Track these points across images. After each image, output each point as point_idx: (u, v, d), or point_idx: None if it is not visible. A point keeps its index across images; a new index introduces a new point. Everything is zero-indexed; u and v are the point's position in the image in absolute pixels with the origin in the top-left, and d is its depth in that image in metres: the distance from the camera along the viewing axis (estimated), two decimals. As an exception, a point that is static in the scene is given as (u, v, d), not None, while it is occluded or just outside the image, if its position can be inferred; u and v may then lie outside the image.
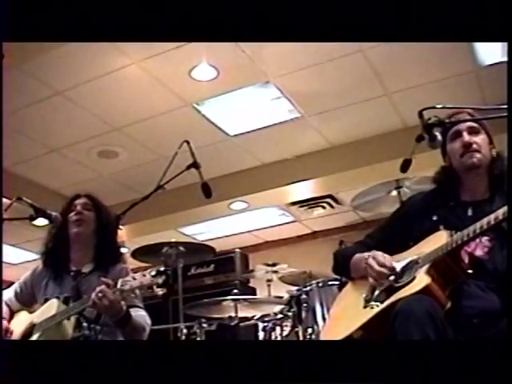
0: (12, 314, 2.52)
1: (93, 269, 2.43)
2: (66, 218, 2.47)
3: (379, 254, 1.91)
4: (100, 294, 2.06)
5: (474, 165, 1.94)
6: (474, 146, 1.94)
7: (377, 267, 1.87)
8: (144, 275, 2.06)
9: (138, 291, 2.26)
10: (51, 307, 2.28)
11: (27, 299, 2.53)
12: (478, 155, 1.94)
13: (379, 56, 4.04)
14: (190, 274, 5.15)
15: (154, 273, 2.04)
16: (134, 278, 2.08)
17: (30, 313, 2.46)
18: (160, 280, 2.03)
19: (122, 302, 2.14)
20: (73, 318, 2.21)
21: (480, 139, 1.97)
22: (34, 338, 2.23)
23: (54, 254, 2.50)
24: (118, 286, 2.10)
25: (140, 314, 2.29)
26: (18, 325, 2.41)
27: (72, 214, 2.48)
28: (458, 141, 1.97)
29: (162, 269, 2.05)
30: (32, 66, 3.91)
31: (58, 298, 2.34)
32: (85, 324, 2.23)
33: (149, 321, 2.34)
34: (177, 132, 4.60)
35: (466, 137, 1.96)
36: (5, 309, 2.51)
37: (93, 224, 2.48)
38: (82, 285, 2.38)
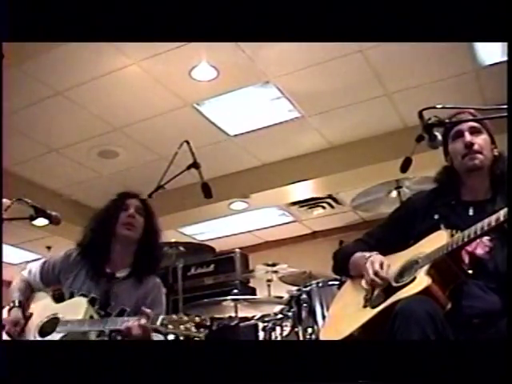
0: (32, 291, 2.47)
1: (127, 275, 2.38)
2: (113, 216, 2.40)
3: (377, 261, 1.90)
4: (139, 331, 2.01)
5: (475, 166, 1.93)
6: (476, 146, 1.93)
7: (371, 275, 1.87)
8: (186, 322, 1.95)
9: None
10: (79, 308, 2.22)
11: (52, 282, 2.48)
12: (479, 156, 1.93)
13: (379, 56, 4.04)
14: (190, 274, 5.15)
15: (197, 320, 1.95)
16: (177, 321, 1.97)
17: (53, 301, 2.40)
18: (201, 335, 1.95)
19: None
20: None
21: (482, 139, 1.96)
22: (57, 337, 2.19)
23: (93, 249, 2.41)
24: (158, 323, 2.00)
25: (160, 340, 2.24)
26: (39, 312, 2.36)
27: (125, 214, 2.40)
28: (460, 141, 1.96)
29: (205, 321, 1.96)
30: (32, 66, 3.91)
31: (85, 296, 2.30)
32: (106, 331, 2.18)
33: None
34: (177, 132, 4.59)
35: (468, 137, 1.95)
36: (24, 287, 2.45)
37: (141, 230, 2.42)
38: (112, 289, 2.33)
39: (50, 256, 2.57)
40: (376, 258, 1.92)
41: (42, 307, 2.39)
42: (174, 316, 1.99)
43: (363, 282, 1.92)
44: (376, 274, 1.86)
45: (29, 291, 2.47)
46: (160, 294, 2.40)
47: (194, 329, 1.93)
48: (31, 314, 2.34)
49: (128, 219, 2.39)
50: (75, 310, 2.23)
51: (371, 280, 1.87)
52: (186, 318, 1.96)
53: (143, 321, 2.02)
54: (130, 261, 2.41)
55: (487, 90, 4.43)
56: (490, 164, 1.95)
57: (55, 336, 2.20)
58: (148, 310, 2.07)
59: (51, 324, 2.27)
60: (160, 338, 2.25)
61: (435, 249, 1.77)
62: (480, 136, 1.96)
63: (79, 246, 2.46)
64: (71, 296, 2.35)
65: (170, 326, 1.97)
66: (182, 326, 1.95)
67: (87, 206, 5.59)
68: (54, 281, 2.48)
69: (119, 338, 2.16)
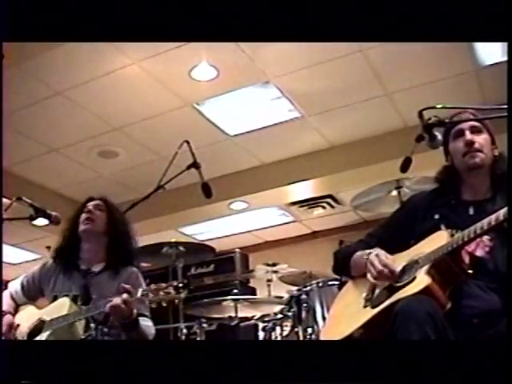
0: (17, 306, 2.52)
1: (103, 269, 2.45)
2: (75, 218, 2.54)
3: (382, 254, 1.90)
4: (123, 306, 2.06)
5: (476, 165, 1.93)
6: (477, 145, 1.94)
7: (379, 266, 1.86)
8: (166, 287, 2.04)
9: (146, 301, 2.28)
10: (63, 306, 2.27)
11: (34, 294, 2.54)
12: (480, 155, 1.93)
13: (379, 56, 4.04)
14: (190, 274, 5.15)
15: (175, 283, 2.03)
16: (156, 289, 2.06)
17: (38, 308, 2.45)
18: (183, 295, 2.03)
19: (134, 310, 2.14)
20: (83, 319, 2.21)
21: (482, 139, 1.96)
22: (44, 335, 2.22)
23: (65, 251, 2.53)
24: (138, 294, 2.09)
25: (147, 324, 2.30)
26: (26, 320, 2.39)
27: (83, 214, 2.53)
28: (461, 140, 1.97)
29: (183, 283, 2.03)
30: (32, 66, 3.91)
31: (67, 295, 2.34)
32: (92, 325, 2.23)
33: (153, 331, 2.36)
34: (177, 132, 4.59)
35: (469, 135, 1.95)
36: (10, 301, 2.51)
37: (103, 224, 2.51)
38: (91, 284, 2.39)
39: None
40: (380, 252, 1.92)
41: (28, 315, 2.43)
42: (153, 285, 2.08)
43: (369, 276, 1.90)
44: (385, 265, 1.85)
45: (14, 304, 2.53)
46: (139, 281, 2.44)
47: (173, 291, 2.02)
48: (18, 325, 2.38)
49: (85, 215, 2.51)
50: (59, 309, 2.28)
51: (379, 272, 1.85)
52: (164, 285, 2.05)
53: (125, 295, 2.08)
54: (104, 255, 2.49)
55: (487, 90, 4.43)
56: (490, 163, 1.96)
57: (43, 336, 2.23)
58: (127, 286, 2.13)
59: (38, 327, 2.30)
60: (148, 322, 2.31)
61: (435, 249, 1.77)
62: (481, 135, 1.97)
63: (53, 251, 2.57)
64: (55, 299, 2.39)
65: (151, 295, 2.06)
66: (161, 292, 2.04)
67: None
68: (36, 292, 2.54)
69: (105, 329, 2.24)
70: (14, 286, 2.56)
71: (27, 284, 2.55)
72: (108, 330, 2.24)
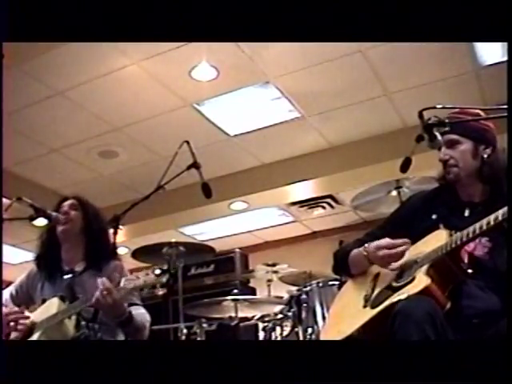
0: None
1: (85, 267, 2.45)
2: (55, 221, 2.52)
3: (380, 242, 1.92)
4: (105, 292, 2.07)
5: (451, 180, 1.98)
6: (451, 161, 1.97)
7: (388, 252, 1.87)
8: (147, 274, 2.08)
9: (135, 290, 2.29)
10: (52, 306, 2.29)
11: (24, 301, 2.55)
12: (454, 170, 1.96)
13: (379, 56, 4.04)
14: (190, 274, 5.15)
15: (157, 271, 2.06)
16: (138, 277, 2.10)
17: (30, 312, 2.47)
18: (164, 279, 2.06)
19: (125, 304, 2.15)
20: (73, 317, 2.22)
21: (458, 152, 1.97)
22: (35, 336, 2.24)
23: (45, 255, 2.54)
24: (122, 284, 2.11)
25: (140, 312, 2.32)
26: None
27: (59, 215, 2.51)
28: (440, 154, 2.00)
29: (165, 268, 2.06)
30: (32, 66, 3.91)
31: (54, 297, 2.35)
32: (83, 323, 2.24)
33: (148, 317, 2.36)
34: (177, 132, 4.60)
35: (441, 153, 1.98)
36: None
37: (80, 223, 2.51)
38: (75, 283, 2.40)
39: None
40: (375, 243, 1.93)
41: None
42: (135, 273, 2.13)
43: (372, 269, 1.92)
44: (392, 246, 1.87)
45: None
46: (123, 272, 2.42)
47: (153, 276, 2.06)
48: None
49: (62, 216, 2.49)
50: (49, 309, 2.29)
51: (395, 254, 1.86)
52: (145, 271, 2.09)
53: (108, 284, 2.09)
54: (84, 253, 2.50)
55: (487, 90, 4.43)
56: (473, 171, 1.96)
57: (34, 337, 2.24)
58: (110, 278, 2.14)
59: (30, 330, 2.30)
60: (141, 309, 2.33)
61: (434, 248, 1.78)
62: (458, 147, 1.97)
63: (35, 258, 2.57)
64: (43, 303, 2.40)
65: (133, 282, 2.10)
66: (142, 279, 2.07)
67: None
68: (26, 300, 2.55)
69: (96, 326, 2.25)
70: (4, 297, 2.57)
71: (16, 293, 2.57)
72: (99, 327, 2.26)
